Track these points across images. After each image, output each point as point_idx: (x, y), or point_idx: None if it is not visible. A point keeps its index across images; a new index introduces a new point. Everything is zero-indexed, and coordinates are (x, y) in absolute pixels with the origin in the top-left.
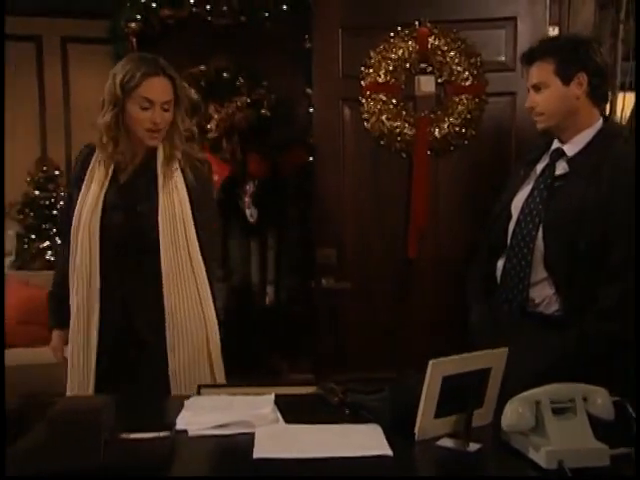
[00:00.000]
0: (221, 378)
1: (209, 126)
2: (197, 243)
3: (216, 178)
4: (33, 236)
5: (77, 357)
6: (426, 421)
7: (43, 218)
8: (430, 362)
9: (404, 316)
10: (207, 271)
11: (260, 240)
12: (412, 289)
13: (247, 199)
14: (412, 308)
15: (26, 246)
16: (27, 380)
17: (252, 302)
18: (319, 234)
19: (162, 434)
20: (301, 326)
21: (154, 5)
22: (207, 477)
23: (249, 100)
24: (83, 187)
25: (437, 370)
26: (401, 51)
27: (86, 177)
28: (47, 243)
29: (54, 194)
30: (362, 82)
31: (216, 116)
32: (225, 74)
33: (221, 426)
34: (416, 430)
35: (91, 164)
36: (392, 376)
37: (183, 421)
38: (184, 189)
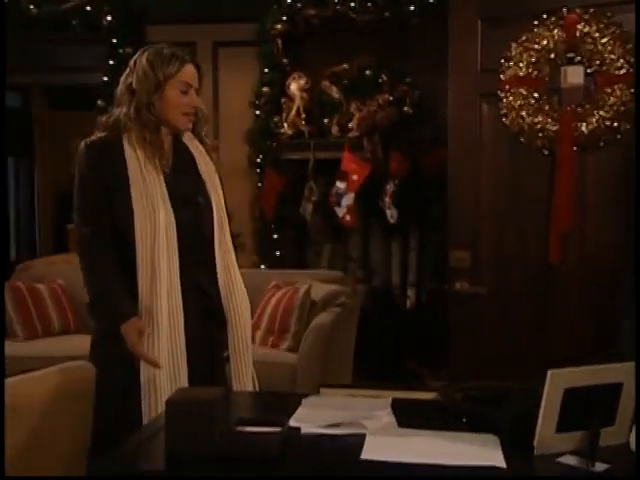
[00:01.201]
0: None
1: (350, 125)
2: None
3: (356, 177)
4: None
5: (166, 359)
6: (546, 435)
7: None
8: (549, 372)
9: (545, 323)
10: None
11: (401, 241)
12: (554, 295)
13: (387, 199)
14: (554, 315)
15: None
16: None
17: (392, 305)
18: (453, 236)
19: (275, 429)
20: (443, 331)
21: (299, 5)
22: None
23: (391, 98)
24: (134, 183)
25: (557, 381)
26: (545, 41)
27: (131, 173)
28: None
29: None
30: (501, 76)
31: (357, 115)
32: (368, 72)
33: (334, 425)
34: (535, 443)
35: (127, 158)
36: (519, 385)
37: (298, 418)
38: (217, 177)
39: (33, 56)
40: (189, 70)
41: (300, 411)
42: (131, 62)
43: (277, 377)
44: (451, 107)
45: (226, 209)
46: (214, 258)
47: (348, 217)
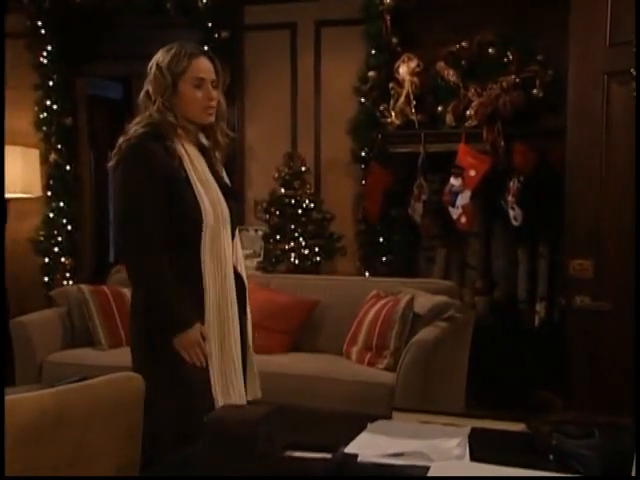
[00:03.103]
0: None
1: (467, 112)
2: None
3: (473, 173)
4: (278, 237)
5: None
6: None
7: (288, 218)
8: None
9: None
10: None
11: (529, 247)
12: None
13: (510, 198)
14: None
15: (271, 247)
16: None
17: (518, 321)
18: (572, 241)
19: (325, 456)
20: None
21: None
22: None
23: (518, 79)
24: (195, 176)
25: None
26: None
27: (187, 165)
28: (292, 244)
29: (299, 192)
30: (636, 50)
31: (476, 100)
32: (491, 49)
33: (395, 455)
34: None
35: (178, 151)
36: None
37: (357, 444)
38: None
39: (129, 44)
40: (200, 64)
41: (362, 436)
42: (148, 67)
43: (373, 399)
44: (572, 89)
45: None
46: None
47: (464, 219)
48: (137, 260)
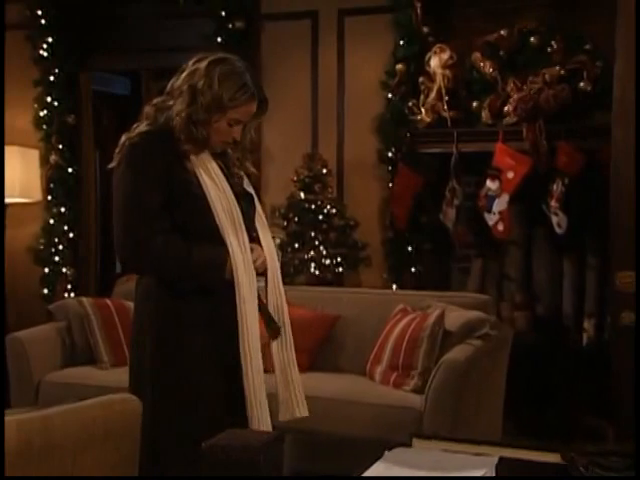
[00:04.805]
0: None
1: (505, 109)
2: None
3: (512, 175)
4: (297, 245)
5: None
6: None
7: (308, 224)
8: None
9: None
10: None
11: (575, 257)
12: None
13: (554, 203)
14: None
15: (289, 256)
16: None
17: (564, 340)
18: (617, 252)
19: None
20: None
21: None
22: None
23: (562, 71)
24: (205, 176)
25: None
26: None
27: (196, 164)
28: (312, 254)
29: (320, 196)
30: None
31: (515, 96)
32: (532, 38)
33: None
34: None
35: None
36: None
37: (371, 474)
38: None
39: (137, 36)
40: (249, 109)
41: (377, 466)
42: (202, 64)
43: (399, 424)
44: (618, 82)
45: None
46: None
47: (501, 226)
48: (141, 252)
